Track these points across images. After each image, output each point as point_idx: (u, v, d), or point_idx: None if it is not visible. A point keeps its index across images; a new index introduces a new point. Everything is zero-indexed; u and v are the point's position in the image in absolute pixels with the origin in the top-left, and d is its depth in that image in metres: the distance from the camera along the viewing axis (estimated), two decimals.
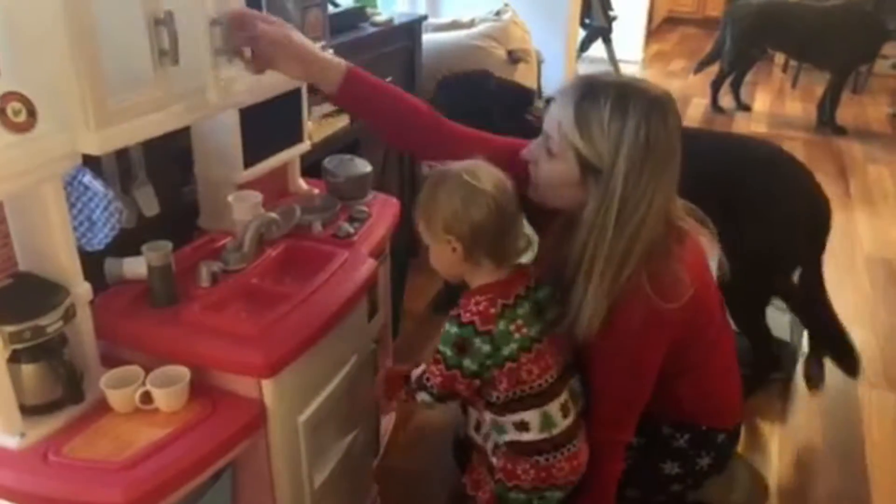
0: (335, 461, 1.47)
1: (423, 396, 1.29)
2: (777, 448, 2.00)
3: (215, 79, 1.24)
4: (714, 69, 5.05)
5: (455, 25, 3.32)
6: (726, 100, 5.19)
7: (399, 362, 2.11)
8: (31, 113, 1.03)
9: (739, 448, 1.64)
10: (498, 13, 3.31)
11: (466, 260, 1.19)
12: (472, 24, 3.30)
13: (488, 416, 1.28)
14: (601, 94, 1.15)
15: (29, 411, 1.14)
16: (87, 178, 1.23)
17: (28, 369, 1.13)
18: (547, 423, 1.24)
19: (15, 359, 1.11)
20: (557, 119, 1.20)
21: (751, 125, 4.89)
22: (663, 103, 1.16)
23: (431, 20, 3.46)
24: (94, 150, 1.10)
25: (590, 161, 1.16)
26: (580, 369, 1.33)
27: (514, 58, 3.11)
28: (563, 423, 1.26)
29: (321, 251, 1.50)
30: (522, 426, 1.25)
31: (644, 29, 6.80)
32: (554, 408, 1.24)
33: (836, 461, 1.95)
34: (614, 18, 5.12)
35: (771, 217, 1.92)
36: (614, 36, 5.38)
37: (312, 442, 1.37)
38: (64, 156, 1.08)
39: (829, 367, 2.30)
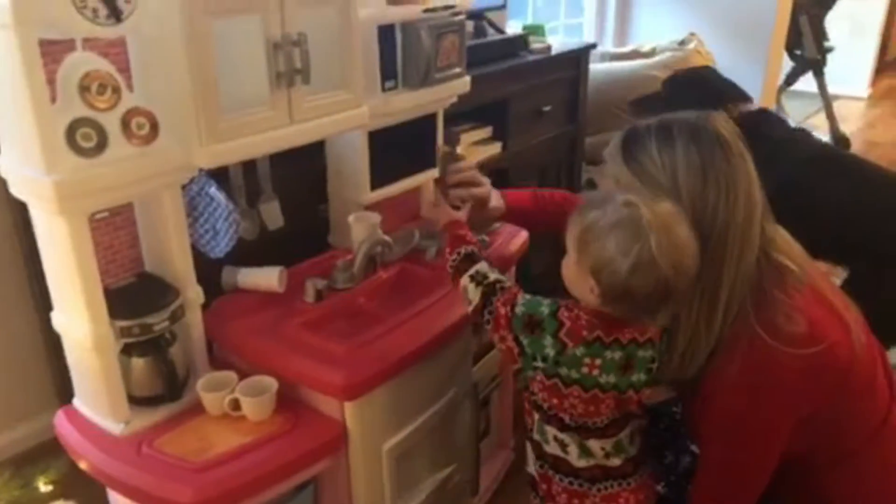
0: (424, 495, 1.43)
1: (471, 291, 1.17)
2: None
3: (283, 101, 1.23)
4: None
5: (635, 54, 3.18)
6: None
7: (517, 402, 2.01)
8: (154, 127, 1.12)
9: None
10: (682, 42, 3.12)
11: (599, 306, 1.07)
12: (652, 53, 3.14)
13: (536, 416, 1.18)
14: (643, 134, 1.13)
15: (135, 402, 1.23)
16: (213, 189, 1.31)
17: (138, 363, 1.22)
18: (584, 452, 1.13)
19: (127, 352, 1.21)
20: (614, 176, 1.15)
21: None
22: (710, 123, 1.11)
23: (610, 49, 3.35)
24: (204, 164, 1.17)
25: None
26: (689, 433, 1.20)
27: None
28: (601, 460, 1.14)
29: (430, 277, 1.48)
30: (562, 445, 1.14)
31: (873, 61, 6.08)
32: (594, 445, 1.13)
33: None
34: (829, 50, 4.60)
35: None
36: (834, 67, 4.84)
37: (398, 472, 1.34)
38: (180, 167, 1.16)
39: None
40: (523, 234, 1.73)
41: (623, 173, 1.12)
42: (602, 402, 1.09)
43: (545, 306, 1.10)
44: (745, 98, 2.15)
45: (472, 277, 1.18)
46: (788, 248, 1.15)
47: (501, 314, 1.12)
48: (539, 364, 1.09)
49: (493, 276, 1.19)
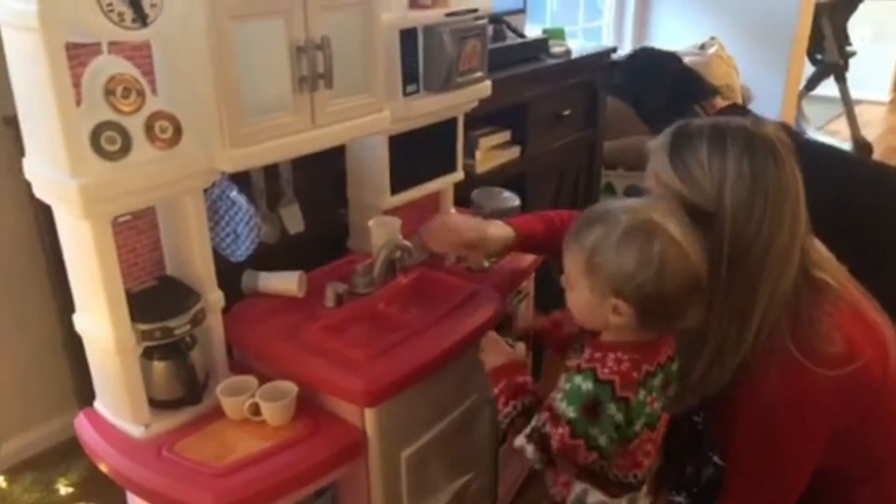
0: (442, 503, 1.41)
1: (529, 452, 1.03)
2: None
3: (306, 105, 1.22)
4: None
5: None
6: None
7: None
8: (177, 130, 1.12)
9: None
10: (703, 46, 3.09)
11: (628, 325, 1.01)
12: None
13: (578, 487, 1.14)
14: (695, 135, 1.07)
15: (155, 405, 1.23)
16: (234, 193, 1.31)
17: (158, 366, 1.22)
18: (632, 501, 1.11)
19: (148, 355, 1.21)
20: (654, 172, 1.10)
21: None
22: (766, 134, 1.06)
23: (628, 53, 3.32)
24: (227, 168, 1.16)
25: (696, 205, 1.04)
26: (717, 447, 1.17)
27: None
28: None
29: (449, 283, 1.47)
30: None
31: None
32: (641, 494, 1.10)
33: None
34: (851, 54, 4.53)
35: None
36: (856, 72, 4.76)
37: (417, 479, 1.33)
38: (203, 171, 1.16)
39: None
40: None
41: (666, 171, 1.08)
42: (661, 430, 1.07)
43: (582, 380, 1.01)
44: (716, 92, 2.10)
45: (529, 437, 1.04)
46: (827, 263, 1.11)
47: (563, 441, 1.00)
48: (615, 436, 1.00)
49: (539, 420, 1.04)
